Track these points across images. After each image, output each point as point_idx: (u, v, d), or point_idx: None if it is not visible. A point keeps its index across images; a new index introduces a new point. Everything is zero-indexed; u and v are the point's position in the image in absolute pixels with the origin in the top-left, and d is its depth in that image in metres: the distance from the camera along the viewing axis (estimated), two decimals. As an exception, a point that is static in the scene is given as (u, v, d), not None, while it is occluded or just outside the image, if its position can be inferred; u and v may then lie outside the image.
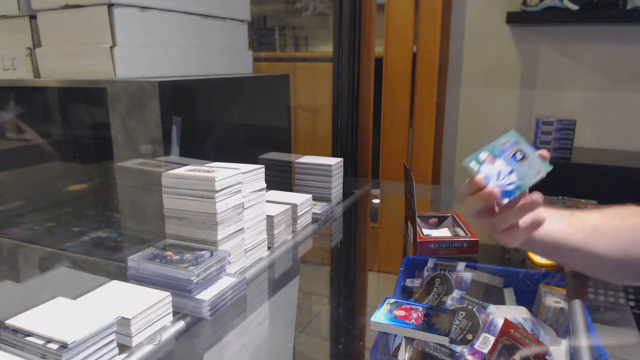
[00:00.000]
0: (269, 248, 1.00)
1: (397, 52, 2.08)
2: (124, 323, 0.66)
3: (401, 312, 0.71)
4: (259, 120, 1.34)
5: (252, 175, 0.91)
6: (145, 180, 0.97)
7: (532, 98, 2.00)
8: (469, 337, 0.69)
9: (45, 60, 1.10)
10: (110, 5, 0.98)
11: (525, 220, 0.62)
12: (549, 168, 0.63)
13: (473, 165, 0.63)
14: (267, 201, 1.02)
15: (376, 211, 1.57)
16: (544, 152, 0.64)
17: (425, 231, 1.13)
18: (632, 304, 1.01)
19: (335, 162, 1.30)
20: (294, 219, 1.09)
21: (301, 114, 2.43)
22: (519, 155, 0.64)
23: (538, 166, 0.63)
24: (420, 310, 0.72)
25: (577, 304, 0.76)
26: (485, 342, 0.68)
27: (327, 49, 2.46)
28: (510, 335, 0.66)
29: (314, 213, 1.18)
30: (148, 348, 0.67)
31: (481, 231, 1.04)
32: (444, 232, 1.14)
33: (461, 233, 1.09)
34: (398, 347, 0.73)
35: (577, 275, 0.84)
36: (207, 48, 1.27)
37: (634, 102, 1.86)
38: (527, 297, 0.83)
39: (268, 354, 0.82)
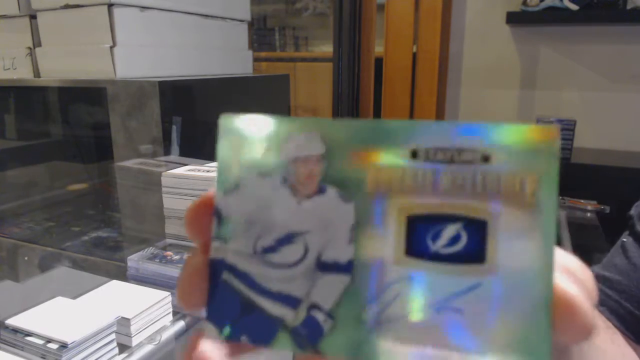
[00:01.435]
0: (269, 248, 1.00)
1: (397, 52, 2.08)
2: (124, 323, 0.66)
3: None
4: (259, 120, 1.34)
5: (252, 175, 0.91)
6: (145, 180, 0.97)
7: (532, 98, 2.00)
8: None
9: (45, 60, 1.10)
10: (110, 5, 0.98)
11: None
12: None
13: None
14: (267, 201, 1.01)
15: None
16: None
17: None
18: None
19: (335, 162, 1.29)
20: (294, 219, 1.09)
21: (301, 114, 2.43)
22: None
23: None
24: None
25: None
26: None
27: (327, 49, 2.46)
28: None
29: (314, 213, 1.18)
30: (148, 348, 0.67)
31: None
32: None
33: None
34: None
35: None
36: (207, 48, 1.27)
37: (634, 102, 1.86)
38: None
39: (268, 354, 0.82)
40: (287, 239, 0.17)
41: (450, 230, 0.16)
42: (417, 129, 0.16)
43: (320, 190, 0.17)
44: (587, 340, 0.18)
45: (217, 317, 0.17)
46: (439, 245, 0.16)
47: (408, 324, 0.15)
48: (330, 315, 0.16)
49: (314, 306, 0.17)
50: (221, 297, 0.17)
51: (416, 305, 0.16)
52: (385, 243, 0.16)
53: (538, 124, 0.18)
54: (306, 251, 0.17)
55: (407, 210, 0.16)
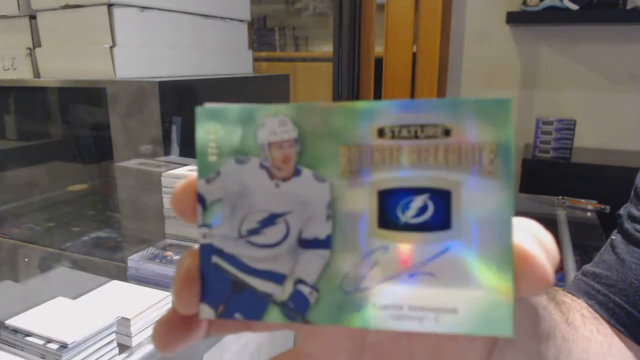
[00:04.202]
0: (269, 248, 1.00)
1: (397, 52, 2.08)
2: (124, 323, 0.66)
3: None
4: (259, 120, 1.34)
5: (252, 175, 0.91)
6: (145, 180, 0.97)
7: (532, 98, 2.00)
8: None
9: (45, 60, 1.10)
10: (110, 5, 0.98)
11: None
12: None
13: None
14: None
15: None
16: None
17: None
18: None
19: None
20: (294, 219, 1.09)
21: (301, 114, 2.43)
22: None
23: None
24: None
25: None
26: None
27: (327, 49, 2.46)
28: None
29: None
30: (148, 348, 0.67)
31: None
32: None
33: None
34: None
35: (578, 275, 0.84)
36: (207, 48, 1.27)
37: (634, 102, 1.86)
38: (527, 297, 0.83)
39: (268, 354, 0.82)
40: (269, 221, 0.18)
41: (417, 202, 0.17)
42: (382, 108, 0.17)
43: (296, 173, 0.18)
44: (545, 293, 0.21)
45: (210, 298, 0.18)
46: (409, 216, 0.17)
47: (385, 290, 0.17)
48: (314, 287, 0.18)
49: (299, 281, 0.18)
50: (212, 279, 0.18)
51: (391, 273, 0.17)
52: (359, 217, 0.18)
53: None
54: (288, 231, 0.18)
55: (378, 185, 0.17)
